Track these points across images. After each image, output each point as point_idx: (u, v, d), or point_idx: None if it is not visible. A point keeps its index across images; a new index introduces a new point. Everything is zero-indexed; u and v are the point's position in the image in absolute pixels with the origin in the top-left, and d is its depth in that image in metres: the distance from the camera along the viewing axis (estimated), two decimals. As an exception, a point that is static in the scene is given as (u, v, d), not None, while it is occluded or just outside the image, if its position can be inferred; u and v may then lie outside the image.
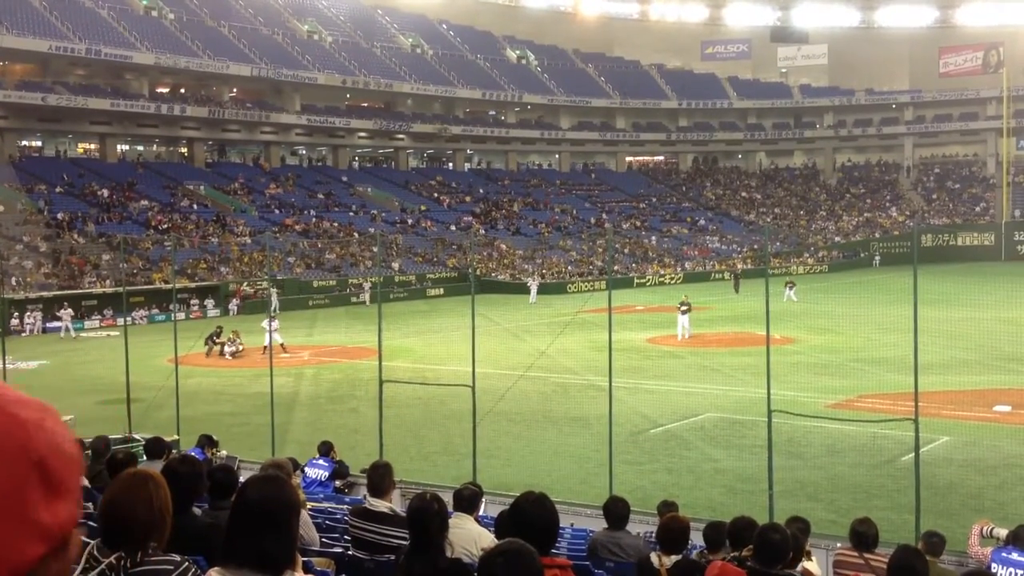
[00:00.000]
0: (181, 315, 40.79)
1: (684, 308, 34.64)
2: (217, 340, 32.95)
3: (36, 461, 1.31)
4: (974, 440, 18.38)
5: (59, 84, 61.30)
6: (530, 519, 3.95)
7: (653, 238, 74.56)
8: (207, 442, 14.29)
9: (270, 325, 29.14)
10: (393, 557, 6.15)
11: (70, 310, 42.96)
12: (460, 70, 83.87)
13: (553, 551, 5.18)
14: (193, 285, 49.29)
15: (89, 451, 9.60)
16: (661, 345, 33.48)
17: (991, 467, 16.67)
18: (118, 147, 67.52)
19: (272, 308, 46.09)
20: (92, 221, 54.36)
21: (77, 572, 2.91)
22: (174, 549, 3.59)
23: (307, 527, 7.31)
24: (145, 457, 9.51)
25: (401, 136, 79.90)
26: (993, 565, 8.87)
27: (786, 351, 28.22)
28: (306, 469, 13.25)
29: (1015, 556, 8.63)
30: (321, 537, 7.96)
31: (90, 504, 5.82)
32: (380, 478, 7.08)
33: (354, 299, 53.75)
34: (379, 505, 6.92)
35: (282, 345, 31.60)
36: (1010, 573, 8.56)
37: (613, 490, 12.31)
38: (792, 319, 35.68)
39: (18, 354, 34.65)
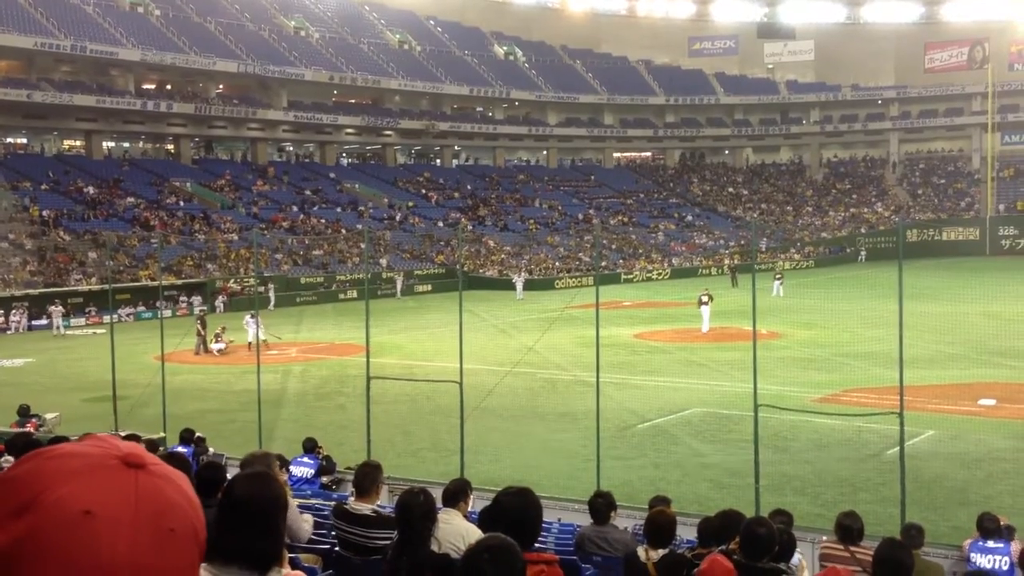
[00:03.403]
0: (168, 312, 40.66)
1: (705, 300, 34.78)
2: (202, 331, 32.74)
3: (201, 542, 1.33)
4: (959, 434, 18.47)
5: (44, 81, 60.97)
6: (511, 513, 3.95)
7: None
8: (192, 438, 14.27)
9: (256, 322, 28.83)
10: (379, 557, 6.12)
11: (61, 307, 42.79)
12: (448, 66, 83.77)
13: (540, 546, 5.20)
14: (180, 282, 49.13)
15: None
16: (648, 340, 33.55)
17: (976, 460, 16.76)
18: (104, 144, 67.19)
19: (269, 305, 46.33)
20: (79, 218, 54.19)
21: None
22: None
23: (296, 520, 7.25)
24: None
25: (389, 132, 79.78)
26: (972, 555, 9.05)
27: (772, 346, 28.31)
28: (291, 468, 13.21)
29: (991, 544, 8.98)
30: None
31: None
32: (363, 478, 6.94)
33: (341, 295, 53.72)
34: (362, 507, 6.77)
35: (264, 342, 31.04)
36: (989, 560, 8.77)
37: (600, 485, 12.34)
38: (778, 314, 35.78)
39: (3, 352, 34.55)
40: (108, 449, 1.29)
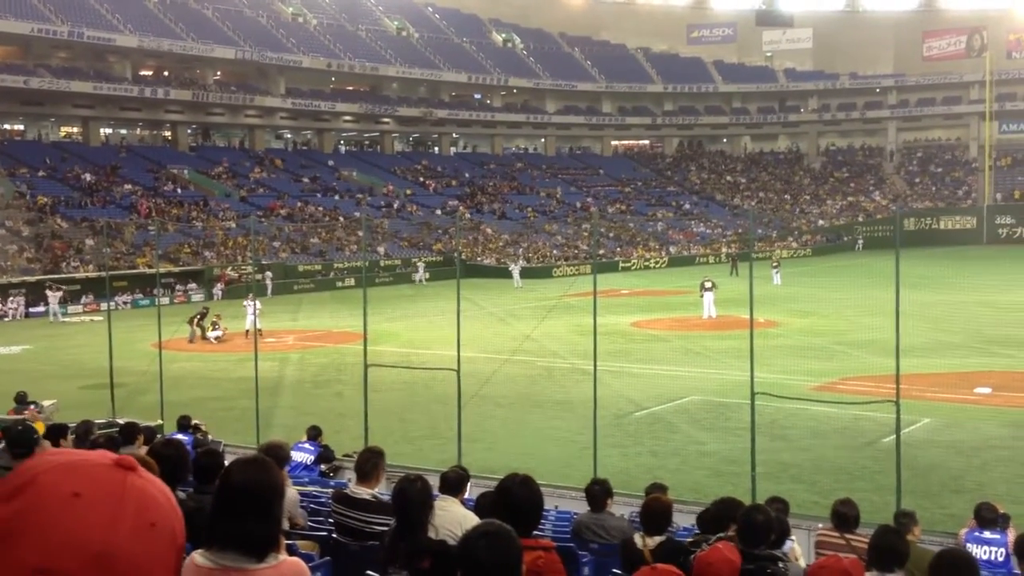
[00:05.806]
0: (165, 300, 40.59)
1: (708, 286, 34.91)
2: (200, 322, 32.73)
3: (180, 546, 1.46)
4: (955, 422, 18.53)
5: (41, 67, 60.77)
6: (517, 500, 3.98)
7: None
8: (189, 425, 14.27)
9: (254, 309, 28.92)
10: (377, 543, 6.14)
11: (59, 292, 42.61)
12: (446, 53, 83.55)
13: (537, 533, 5.22)
14: (177, 269, 49.06)
15: (73, 435, 9.59)
16: (646, 329, 33.57)
17: (972, 448, 16.81)
18: (101, 131, 67.02)
19: (267, 292, 46.28)
20: (76, 205, 54.11)
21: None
22: (159, 532, 3.60)
23: (293, 506, 7.27)
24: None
25: (386, 120, 79.60)
26: (969, 546, 9.06)
27: (770, 334, 28.33)
28: (292, 452, 13.25)
29: (987, 535, 8.97)
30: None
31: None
32: (365, 463, 7.00)
33: (339, 283, 53.69)
34: (361, 492, 6.84)
35: (259, 331, 31.29)
36: (985, 551, 8.78)
37: (597, 473, 12.37)
38: (775, 302, 35.80)
39: (1, 339, 34.52)
40: (104, 454, 1.43)
